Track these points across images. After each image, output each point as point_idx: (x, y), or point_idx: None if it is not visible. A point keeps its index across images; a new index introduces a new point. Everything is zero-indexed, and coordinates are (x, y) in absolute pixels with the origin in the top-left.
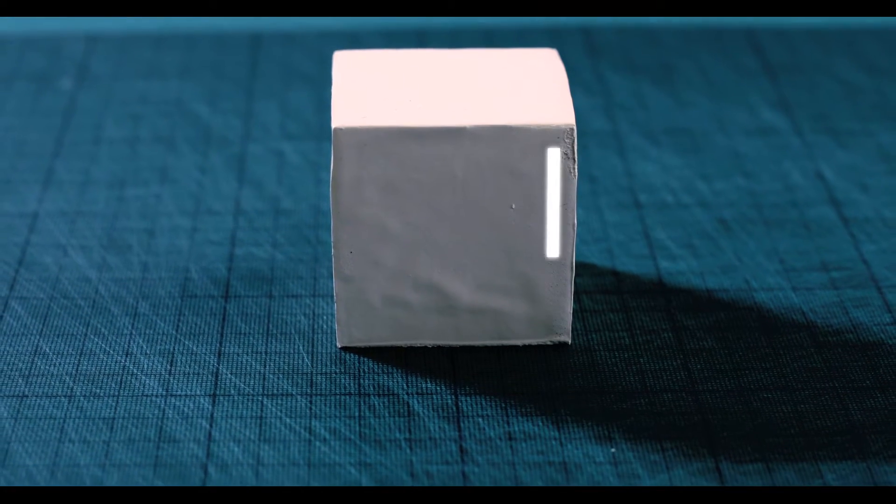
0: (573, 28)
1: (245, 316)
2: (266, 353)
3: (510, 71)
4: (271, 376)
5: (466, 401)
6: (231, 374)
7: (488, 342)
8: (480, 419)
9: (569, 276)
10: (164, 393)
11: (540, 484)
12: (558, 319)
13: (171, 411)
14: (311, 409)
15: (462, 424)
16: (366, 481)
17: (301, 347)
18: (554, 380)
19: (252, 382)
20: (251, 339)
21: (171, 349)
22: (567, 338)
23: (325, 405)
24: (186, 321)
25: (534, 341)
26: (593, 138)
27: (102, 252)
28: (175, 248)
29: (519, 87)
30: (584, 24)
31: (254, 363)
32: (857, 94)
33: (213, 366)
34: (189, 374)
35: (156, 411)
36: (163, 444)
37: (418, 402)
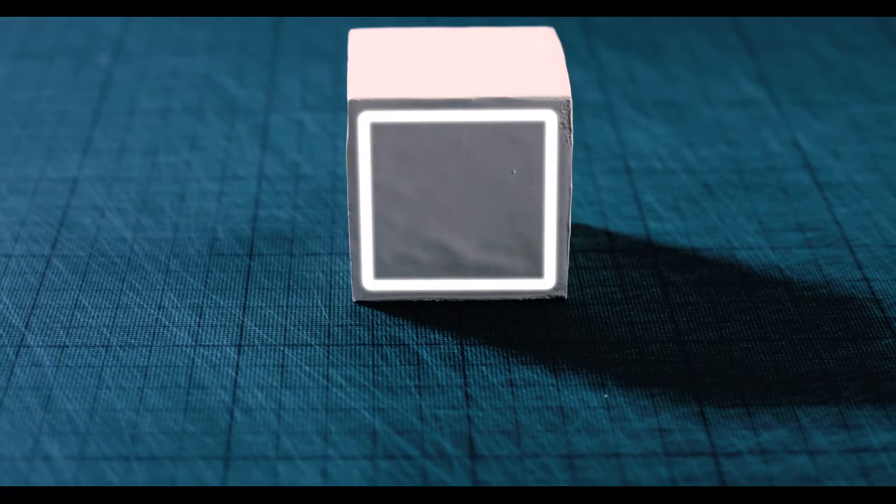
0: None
1: (268, 272)
2: (287, 306)
3: (511, 47)
4: (292, 328)
5: (471, 350)
6: (255, 325)
7: (491, 297)
8: (484, 367)
9: (565, 235)
10: (193, 343)
11: (539, 427)
12: (555, 276)
13: (199, 360)
14: (328, 358)
15: (467, 372)
16: (379, 424)
17: (319, 301)
18: (551, 331)
19: (274, 333)
20: (273, 293)
21: (200, 303)
22: (563, 293)
23: (342, 354)
24: (214, 277)
25: (533, 296)
26: (588, 109)
27: (137, 214)
28: (203, 210)
29: (519, 62)
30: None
31: (276, 316)
32: (831, 69)
33: (239, 318)
34: (216, 325)
35: (186, 360)
36: (192, 391)
37: (427, 352)
